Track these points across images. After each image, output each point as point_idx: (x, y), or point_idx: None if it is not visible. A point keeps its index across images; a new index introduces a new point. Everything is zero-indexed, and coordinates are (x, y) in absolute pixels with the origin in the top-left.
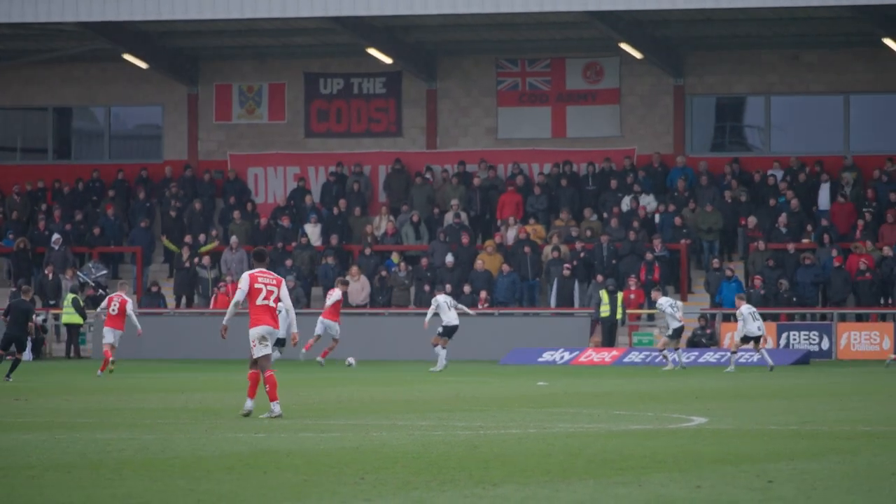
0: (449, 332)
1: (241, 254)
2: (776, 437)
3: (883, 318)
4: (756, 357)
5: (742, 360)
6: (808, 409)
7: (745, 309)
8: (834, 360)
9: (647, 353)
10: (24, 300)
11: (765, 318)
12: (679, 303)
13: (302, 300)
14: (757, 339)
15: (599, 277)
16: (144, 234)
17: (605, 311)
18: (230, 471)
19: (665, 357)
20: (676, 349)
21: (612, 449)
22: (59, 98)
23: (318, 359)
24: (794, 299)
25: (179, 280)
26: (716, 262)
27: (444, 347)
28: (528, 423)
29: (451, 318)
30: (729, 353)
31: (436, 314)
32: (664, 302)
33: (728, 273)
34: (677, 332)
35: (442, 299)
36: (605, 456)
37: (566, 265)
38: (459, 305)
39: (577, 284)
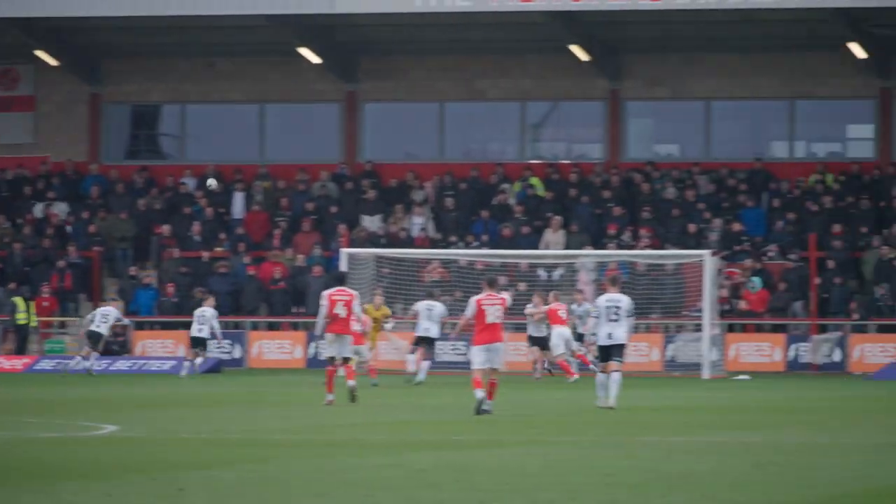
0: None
1: None
2: (188, 446)
3: (295, 326)
4: (169, 365)
5: (154, 368)
6: (220, 418)
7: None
8: (245, 369)
9: (59, 360)
10: None
11: (176, 326)
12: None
13: None
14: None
15: (13, 284)
16: None
17: (21, 318)
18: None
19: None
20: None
21: (22, 457)
22: None
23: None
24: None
25: None
26: (132, 270)
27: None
28: None
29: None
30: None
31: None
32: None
33: (146, 281)
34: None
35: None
36: (15, 464)
37: None
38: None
39: None
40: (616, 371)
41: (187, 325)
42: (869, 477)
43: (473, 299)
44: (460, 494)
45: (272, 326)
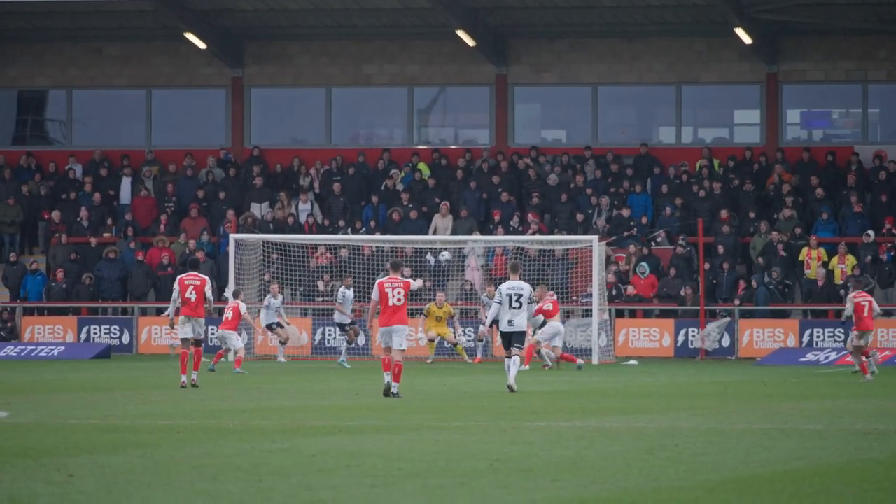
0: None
1: None
2: (77, 431)
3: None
4: None
5: (44, 353)
6: (109, 403)
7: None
8: (134, 355)
9: None
10: None
11: (65, 312)
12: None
13: None
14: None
15: None
16: None
17: None
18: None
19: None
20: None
21: None
22: None
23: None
24: (99, 294)
25: None
26: (13, 256)
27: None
28: None
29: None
30: None
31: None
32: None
33: (33, 266)
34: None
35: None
36: None
37: None
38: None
39: None
40: (516, 355)
41: (76, 311)
42: (758, 462)
43: (377, 282)
44: (351, 480)
45: (160, 312)
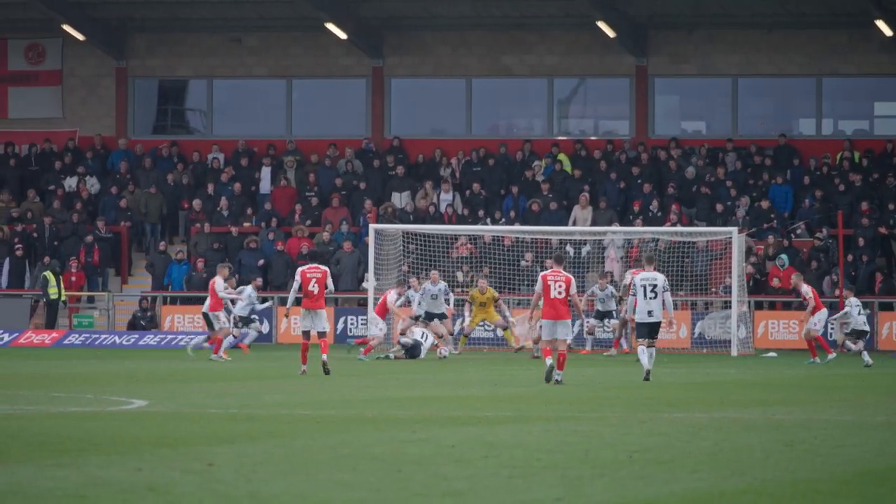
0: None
1: None
2: (216, 420)
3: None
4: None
5: (183, 343)
6: (246, 393)
7: (853, 301)
8: (274, 344)
9: (87, 334)
10: None
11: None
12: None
13: None
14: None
15: (47, 259)
16: None
17: (53, 292)
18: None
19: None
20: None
21: (50, 431)
22: None
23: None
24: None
25: None
26: (162, 245)
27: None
28: None
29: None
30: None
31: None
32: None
33: (178, 256)
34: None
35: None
36: (43, 438)
37: (18, 246)
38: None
39: (27, 266)
40: (653, 346)
41: None
42: (894, 455)
43: (541, 275)
44: (489, 470)
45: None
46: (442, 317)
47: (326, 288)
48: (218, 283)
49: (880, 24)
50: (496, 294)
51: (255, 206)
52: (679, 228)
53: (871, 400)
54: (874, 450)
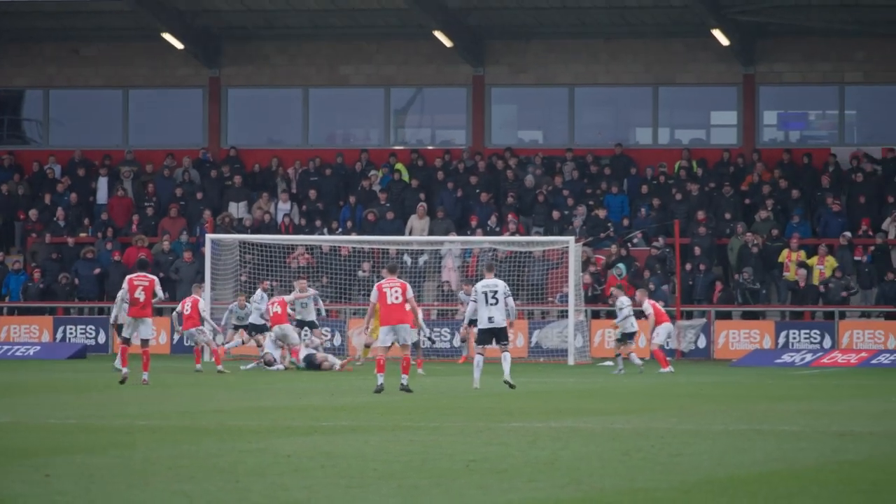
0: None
1: None
2: (54, 432)
3: (160, 312)
4: None
5: (20, 353)
6: (86, 404)
7: (625, 301)
8: (111, 354)
9: None
10: None
11: (41, 312)
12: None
13: None
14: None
15: None
16: None
17: None
18: None
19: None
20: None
21: None
22: None
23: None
24: (76, 295)
25: None
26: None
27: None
28: None
29: None
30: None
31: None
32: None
33: (15, 266)
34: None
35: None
36: None
37: None
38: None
39: None
40: (506, 351)
41: (52, 311)
42: (733, 463)
43: (375, 285)
44: (327, 480)
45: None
46: (312, 325)
47: (155, 296)
48: (201, 302)
49: (717, 33)
50: None
51: (91, 216)
52: (516, 238)
53: (709, 409)
54: (713, 459)
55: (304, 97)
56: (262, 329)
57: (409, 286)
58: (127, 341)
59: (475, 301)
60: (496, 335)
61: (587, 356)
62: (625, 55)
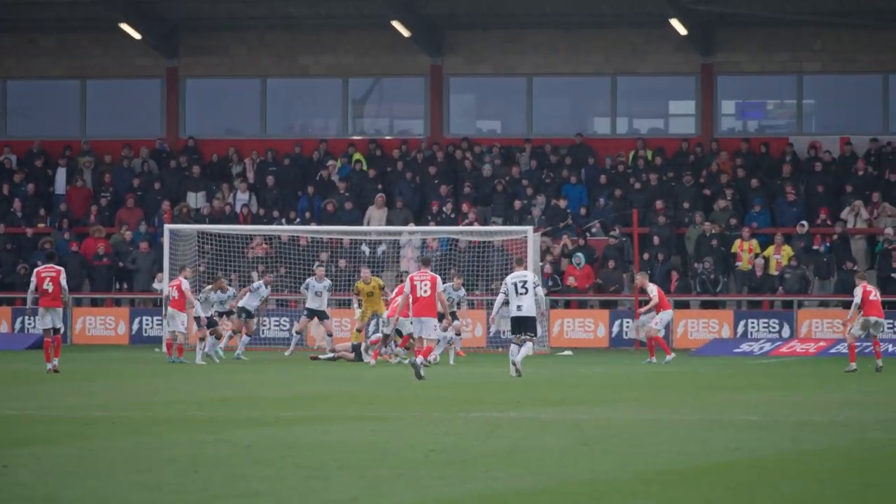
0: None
1: None
2: (12, 423)
3: (119, 302)
4: None
5: None
6: (44, 394)
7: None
8: (69, 345)
9: None
10: None
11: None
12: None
13: None
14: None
15: None
16: None
17: None
18: None
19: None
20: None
21: None
22: None
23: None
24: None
25: None
26: None
27: None
28: None
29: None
30: None
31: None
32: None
33: None
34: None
35: None
36: None
37: None
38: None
39: None
40: (529, 342)
41: (10, 301)
42: (693, 453)
43: (408, 276)
44: (287, 471)
45: (95, 303)
46: (323, 315)
47: (61, 286)
48: (184, 283)
49: (675, 23)
50: (381, 282)
51: (49, 207)
52: (475, 228)
53: (669, 399)
54: (673, 449)
55: (262, 87)
56: (250, 314)
57: (439, 279)
58: (48, 332)
59: (505, 293)
60: (524, 323)
61: (546, 346)
62: (583, 45)
